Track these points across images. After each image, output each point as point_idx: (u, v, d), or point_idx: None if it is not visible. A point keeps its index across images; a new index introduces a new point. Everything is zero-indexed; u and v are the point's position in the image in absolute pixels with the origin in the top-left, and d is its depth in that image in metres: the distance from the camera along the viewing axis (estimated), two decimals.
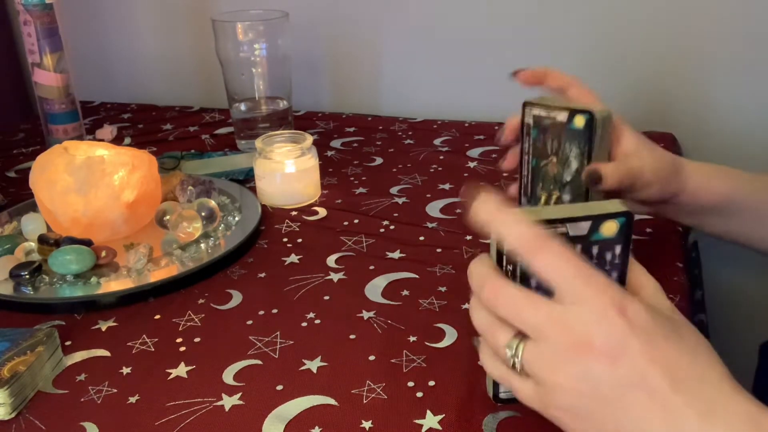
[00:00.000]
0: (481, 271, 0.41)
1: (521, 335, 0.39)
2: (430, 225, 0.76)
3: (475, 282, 0.41)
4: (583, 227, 0.41)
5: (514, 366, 0.40)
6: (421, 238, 0.73)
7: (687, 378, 0.37)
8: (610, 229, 0.41)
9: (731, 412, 0.36)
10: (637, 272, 0.43)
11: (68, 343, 0.58)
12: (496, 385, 0.46)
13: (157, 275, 0.65)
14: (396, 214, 0.78)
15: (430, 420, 0.48)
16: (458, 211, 0.79)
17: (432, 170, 0.90)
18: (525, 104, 0.61)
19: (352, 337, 0.57)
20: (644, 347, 0.36)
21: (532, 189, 0.62)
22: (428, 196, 0.83)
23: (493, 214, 0.40)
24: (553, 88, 0.62)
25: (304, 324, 0.60)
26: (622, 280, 0.43)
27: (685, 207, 0.64)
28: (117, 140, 1.06)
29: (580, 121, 0.56)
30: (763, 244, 0.66)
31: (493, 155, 0.94)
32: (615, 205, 0.41)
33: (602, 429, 0.38)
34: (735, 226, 0.65)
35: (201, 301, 0.64)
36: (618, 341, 0.37)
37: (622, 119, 0.61)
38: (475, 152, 0.96)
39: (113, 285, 0.64)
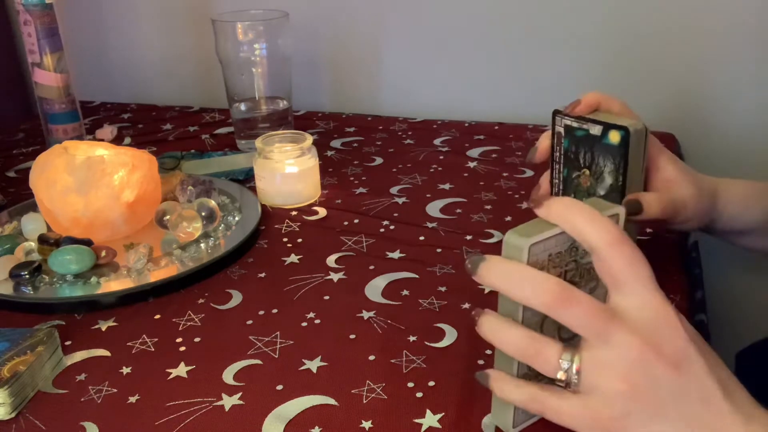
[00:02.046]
0: (541, 276, 0.38)
1: (571, 346, 0.39)
2: (430, 225, 0.76)
3: (533, 286, 0.38)
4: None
5: (567, 383, 0.39)
6: (421, 238, 0.73)
7: (729, 386, 0.39)
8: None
9: (763, 418, 0.38)
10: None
11: (68, 343, 0.58)
12: (517, 413, 0.45)
13: (157, 275, 0.65)
14: (396, 214, 0.78)
15: (430, 419, 0.48)
16: (458, 211, 0.79)
17: (432, 170, 0.90)
18: (555, 113, 0.60)
19: (352, 337, 0.57)
20: (701, 358, 0.38)
21: None
22: (428, 196, 0.83)
23: (572, 210, 0.39)
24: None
25: (304, 324, 0.60)
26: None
27: (720, 231, 0.63)
28: (117, 140, 1.06)
29: (615, 137, 0.55)
30: None
31: (494, 155, 0.94)
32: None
33: None
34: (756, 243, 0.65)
35: (201, 301, 0.64)
36: (681, 350, 0.38)
37: (659, 143, 0.59)
38: (475, 152, 0.96)
39: (113, 285, 0.64)
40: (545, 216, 0.41)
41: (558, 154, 0.61)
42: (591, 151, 0.57)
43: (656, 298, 0.39)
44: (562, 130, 0.59)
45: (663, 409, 0.38)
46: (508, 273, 0.39)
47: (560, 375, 0.39)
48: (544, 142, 0.61)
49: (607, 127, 0.56)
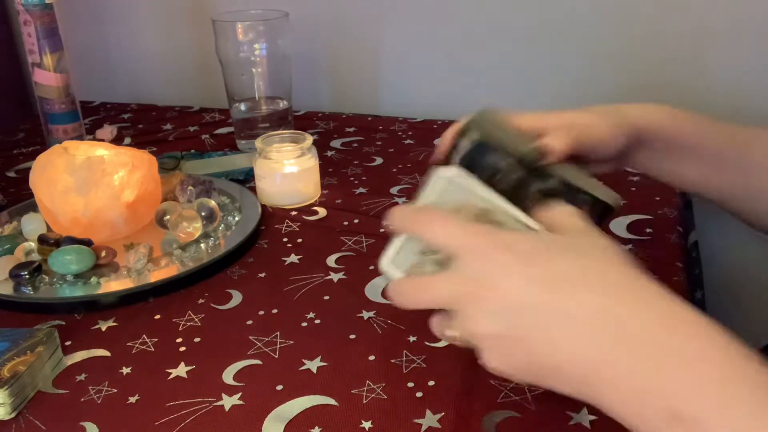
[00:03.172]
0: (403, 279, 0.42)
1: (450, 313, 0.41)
2: None
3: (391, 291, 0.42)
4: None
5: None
6: None
7: (567, 285, 0.38)
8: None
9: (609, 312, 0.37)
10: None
11: (68, 343, 0.58)
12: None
13: (157, 275, 0.65)
14: None
15: (430, 419, 0.48)
16: None
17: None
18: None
19: (352, 337, 0.57)
20: (523, 270, 0.38)
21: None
22: None
23: (410, 220, 0.42)
24: None
25: (304, 324, 0.60)
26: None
27: (658, 167, 0.62)
28: (117, 140, 1.06)
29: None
30: (721, 194, 0.63)
31: None
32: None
33: (523, 358, 0.39)
34: (694, 172, 0.62)
35: (201, 301, 0.64)
36: (498, 275, 0.38)
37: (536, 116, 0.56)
38: None
39: (113, 285, 0.64)
40: (394, 229, 0.43)
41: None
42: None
43: (471, 242, 0.40)
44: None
45: (516, 334, 0.38)
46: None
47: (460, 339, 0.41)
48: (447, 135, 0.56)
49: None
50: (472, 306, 0.39)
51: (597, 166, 0.60)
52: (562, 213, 0.43)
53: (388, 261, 0.44)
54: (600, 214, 0.51)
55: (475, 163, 0.50)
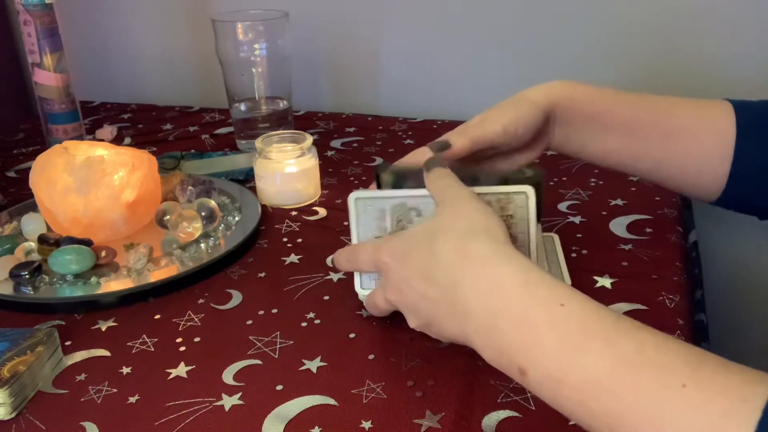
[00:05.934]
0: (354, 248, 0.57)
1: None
2: None
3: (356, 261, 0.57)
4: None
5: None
6: None
7: (425, 277, 0.47)
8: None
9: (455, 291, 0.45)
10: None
11: (68, 343, 0.58)
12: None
13: (157, 275, 0.65)
14: None
15: (430, 419, 0.48)
16: None
17: None
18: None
19: (351, 336, 0.57)
20: (404, 274, 0.49)
21: None
22: None
23: (341, 259, 0.58)
24: None
25: (304, 324, 0.60)
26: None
27: (584, 145, 0.64)
28: (117, 140, 1.06)
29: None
30: (637, 164, 0.64)
31: None
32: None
33: (438, 333, 0.49)
34: (610, 143, 0.63)
35: (201, 301, 0.64)
36: (397, 281, 0.50)
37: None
38: None
39: (113, 285, 0.64)
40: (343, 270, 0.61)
41: None
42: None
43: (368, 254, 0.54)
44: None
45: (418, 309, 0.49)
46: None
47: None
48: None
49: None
50: (402, 308, 0.51)
51: (522, 154, 0.64)
52: (435, 181, 0.52)
53: (359, 289, 0.58)
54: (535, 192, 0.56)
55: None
